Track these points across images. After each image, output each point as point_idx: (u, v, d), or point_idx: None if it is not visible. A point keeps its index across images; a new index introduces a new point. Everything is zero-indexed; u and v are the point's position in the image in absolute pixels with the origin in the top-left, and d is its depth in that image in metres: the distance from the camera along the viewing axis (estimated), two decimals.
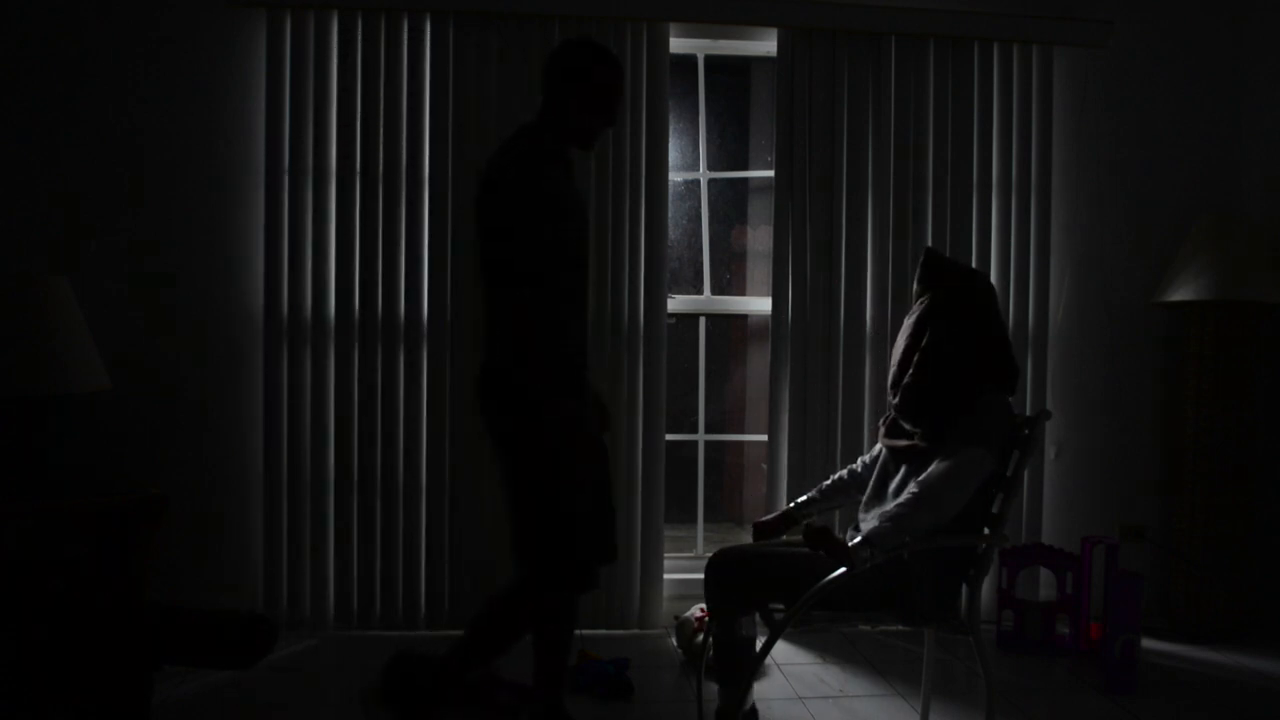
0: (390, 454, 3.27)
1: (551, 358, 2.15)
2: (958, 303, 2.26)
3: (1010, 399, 2.28)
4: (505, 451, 2.22)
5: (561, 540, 2.17)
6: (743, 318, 4.53)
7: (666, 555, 3.47)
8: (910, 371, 2.26)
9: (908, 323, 2.34)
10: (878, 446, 2.43)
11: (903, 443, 2.29)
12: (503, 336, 2.18)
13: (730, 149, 4.58)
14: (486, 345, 2.24)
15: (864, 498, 2.38)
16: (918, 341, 2.27)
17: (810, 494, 2.51)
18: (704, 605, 2.75)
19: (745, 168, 4.62)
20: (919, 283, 2.36)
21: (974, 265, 3.44)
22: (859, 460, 2.52)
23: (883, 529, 2.08)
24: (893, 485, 2.29)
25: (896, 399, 2.30)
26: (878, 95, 3.44)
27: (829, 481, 2.52)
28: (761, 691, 2.81)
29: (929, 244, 3.43)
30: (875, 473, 2.39)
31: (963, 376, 2.21)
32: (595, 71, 2.20)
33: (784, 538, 2.45)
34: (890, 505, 2.17)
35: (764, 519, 2.49)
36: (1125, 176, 3.61)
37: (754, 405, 4.59)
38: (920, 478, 2.15)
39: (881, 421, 2.44)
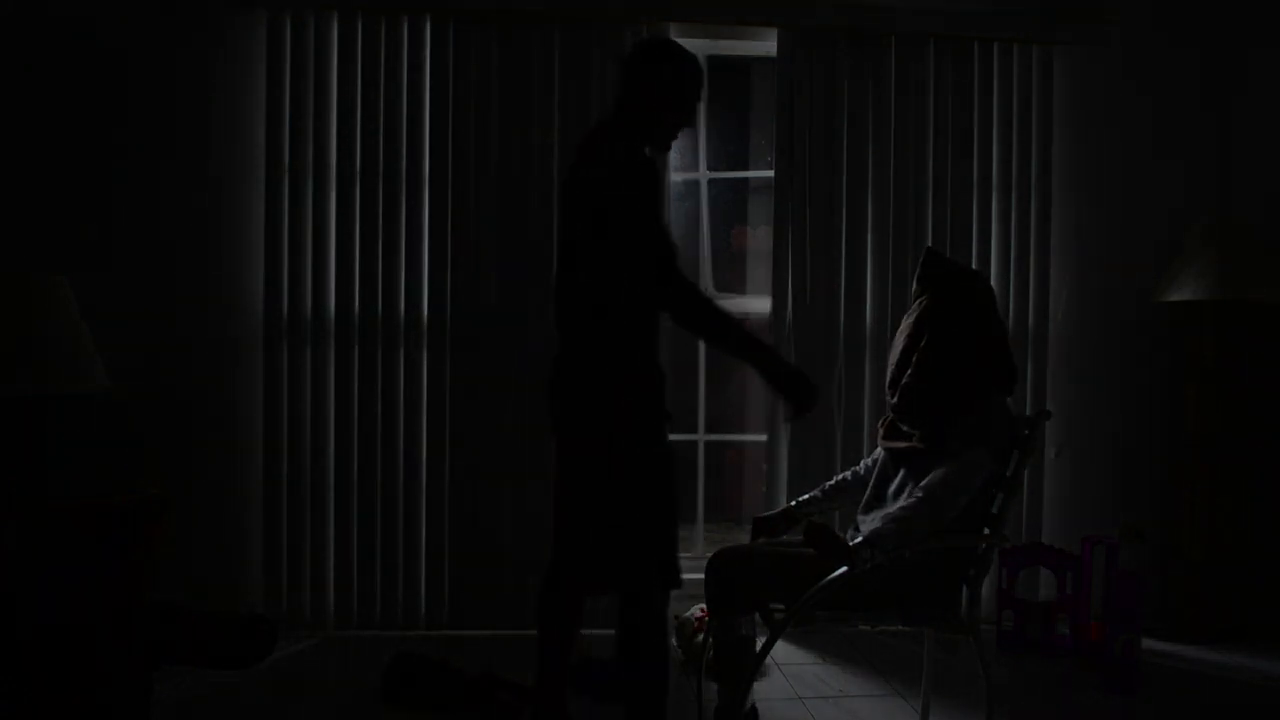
0: (390, 454, 3.28)
1: (635, 350, 2.16)
2: (957, 303, 2.26)
3: (1009, 399, 2.28)
4: (579, 451, 2.21)
5: (649, 540, 2.16)
6: (743, 318, 4.52)
7: None
8: (909, 372, 2.25)
9: (907, 322, 2.34)
10: (879, 449, 2.43)
11: (901, 444, 2.29)
12: (586, 330, 2.17)
13: (730, 149, 4.57)
14: (564, 340, 2.22)
15: (863, 499, 2.38)
16: (916, 342, 2.27)
17: (812, 493, 2.51)
18: (704, 605, 2.75)
19: (745, 168, 4.61)
20: (919, 283, 2.36)
21: (974, 265, 3.44)
22: (861, 463, 2.52)
23: (885, 530, 2.09)
24: (892, 487, 2.29)
25: (895, 399, 2.30)
26: (878, 95, 3.44)
27: (831, 482, 2.52)
28: (761, 691, 2.81)
29: (929, 244, 3.43)
30: (874, 474, 2.39)
31: (962, 377, 2.21)
32: (669, 71, 2.18)
33: (784, 537, 2.45)
34: (893, 507, 2.17)
35: (764, 515, 2.49)
36: (1125, 177, 3.61)
37: (754, 405, 4.58)
38: (924, 482, 2.15)
39: (880, 423, 2.44)
